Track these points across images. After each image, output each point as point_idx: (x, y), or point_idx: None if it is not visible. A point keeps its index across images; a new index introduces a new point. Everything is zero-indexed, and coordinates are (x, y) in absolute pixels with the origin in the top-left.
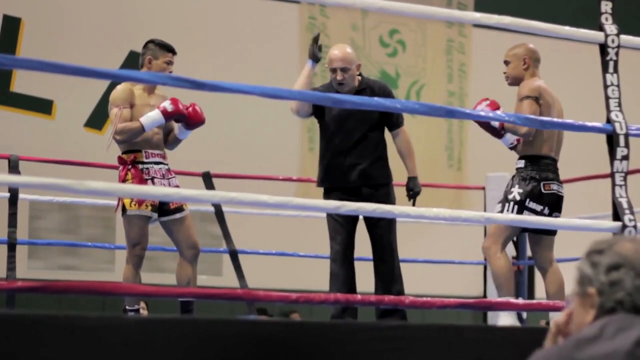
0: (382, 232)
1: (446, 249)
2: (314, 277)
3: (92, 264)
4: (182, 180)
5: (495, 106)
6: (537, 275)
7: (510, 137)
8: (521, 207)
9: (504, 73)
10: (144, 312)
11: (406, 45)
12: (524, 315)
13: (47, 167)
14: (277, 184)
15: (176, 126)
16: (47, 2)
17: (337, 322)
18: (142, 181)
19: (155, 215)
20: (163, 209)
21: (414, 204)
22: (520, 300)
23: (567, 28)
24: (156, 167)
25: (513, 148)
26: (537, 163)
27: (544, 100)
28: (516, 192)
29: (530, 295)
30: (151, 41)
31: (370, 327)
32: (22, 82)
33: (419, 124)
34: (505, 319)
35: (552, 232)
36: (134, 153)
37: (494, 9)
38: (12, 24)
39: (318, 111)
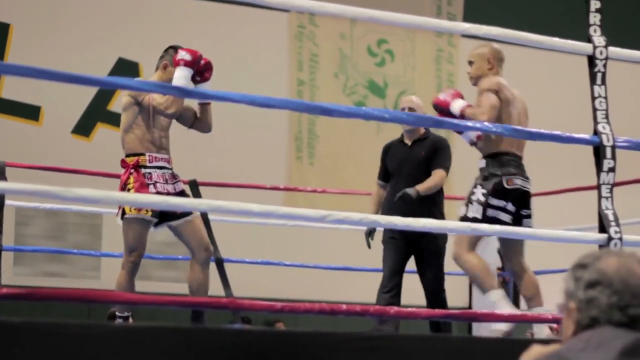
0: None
1: None
2: (299, 286)
3: (78, 271)
4: None
5: (458, 95)
6: None
7: (471, 134)
8: (485, 207)
9: (468, 73)
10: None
11: (394, 55)
12: None
13: (34, 173)
14: (264, 193)
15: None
16: (36, 8)
17: (323, 331)
18: (143, 186)
19: (154, 220)
20: (169, 213)
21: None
22: (505, 312)
23: (555, 39)
24: (159, 171)
25: (474, 144)
26: (499, 160)
27: (503, 95)
28: (479, 193)
29: (516, 306)
30: (172, 47)
31: (357, 337)
32: (10, 88)
33: None
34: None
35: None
36: (137, 156)
37: (483, 19)
38: (1, 29)
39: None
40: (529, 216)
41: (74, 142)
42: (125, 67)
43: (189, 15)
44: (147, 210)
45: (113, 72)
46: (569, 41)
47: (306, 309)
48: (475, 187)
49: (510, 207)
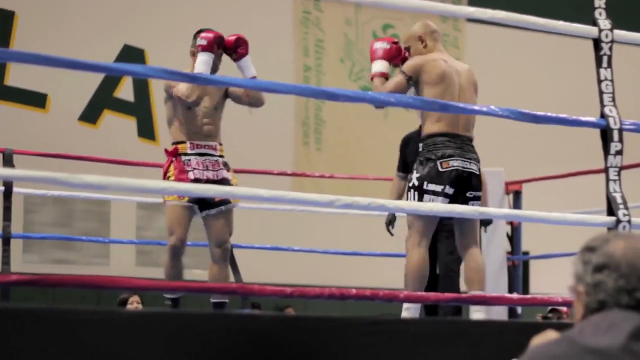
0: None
1: None
2: (308, 271)
3: (87, 258)
4: None
5: (390, 53)
6: (532, 269)
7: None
8: (421, 192)
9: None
10: (138, 306)
11: (400, 40)
12: (519, 310)
13: (41, 160)
14: (271, 179)
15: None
16: None
17: (332, 316)
18: (182, 172)
19: (195, 206)
20: (208, 201)
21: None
22: (515, 295)
23: (561, 23)
24: (200, 158)
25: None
26: (433, 143)
27: (425, 77)
28: (414, 178)
29: (525, 289)
30: (200, 31)
31: (366, 321)
32: (16, 76)
33: (413, 118)
34: (478, 314)
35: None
36: (178, 144)
37: (487, 3)
38: (6, 17)
39: None
40: (475, 198)
41: (81, 129)
42: (131, 54)
43: (194, 2)
44: (184, 197)
45: (119, 59)
46: (575, 24)
47: (316, 293)
48: (411, 172)
49: (448, 189)
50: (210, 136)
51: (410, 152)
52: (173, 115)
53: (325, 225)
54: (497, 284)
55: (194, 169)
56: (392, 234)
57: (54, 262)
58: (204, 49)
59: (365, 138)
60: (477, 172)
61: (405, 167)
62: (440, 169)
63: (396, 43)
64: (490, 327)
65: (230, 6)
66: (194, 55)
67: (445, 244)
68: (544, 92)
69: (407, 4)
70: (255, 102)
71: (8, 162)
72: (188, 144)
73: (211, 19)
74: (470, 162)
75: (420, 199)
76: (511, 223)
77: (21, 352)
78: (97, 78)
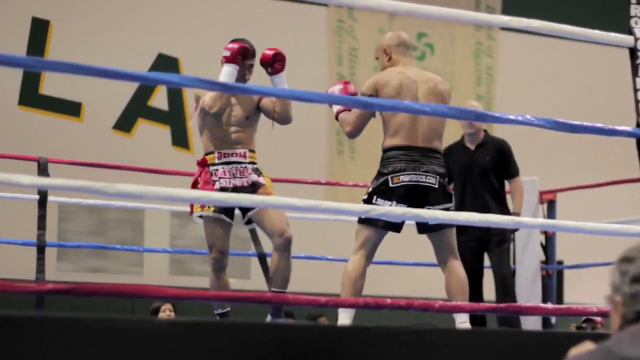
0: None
1: None
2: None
3: (121, 267)
4: None
5: (346, 90)
6: (566, 279)
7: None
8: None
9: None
10: (171, 314)
11: (434, 49)
12: (553, 320)
13: (76, 169)
14: (304, 188)
15: (273, 98)
16: (75, 4)
17: (366, 326)
18: (207, 183)
19: (222, 215)
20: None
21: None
22: (550, 305)
23: (596, 32)
24: (226, 167)
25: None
26: (385, 158)
27: (382, 94)
28: (367, 192)
29: (560, 299)
30: (234, 41)
31: (399, 331)
32: (51, 85)
33: (447, 128)
34: (464, 325)
35: (440, 227)
36: (207, 155)
37: (521, 12)
38: (41, 26)
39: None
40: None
41: (116, 138)
42: (165, 63)
43: (228, 10)
44: (209, 208)
45: (153, 68)
46: (610, 33)
47: (350, 303)
48: (369, 186)
49: (397, 205)
50: (239, 144)
51: (454, 163)
52: (203, 124)
53: None
54: (531, 294)
55: (220, 178)
56: None
57: (88, 270)
58: (228, 60)
59: None
60: (435, 186)
61: (449, 178)
62: (390, 184)
63: (348, 83)
64: (525, 338)
65: (265, 15)
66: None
67: (495, 253)
68: (578, 100)
69: (441, 13)
70: (282, 120)
71: (43, 170)
72: (216, 154)
73: (245, 28)
74: (426, 176)
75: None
76: (545, 232)
77: None
78: (132, 87)
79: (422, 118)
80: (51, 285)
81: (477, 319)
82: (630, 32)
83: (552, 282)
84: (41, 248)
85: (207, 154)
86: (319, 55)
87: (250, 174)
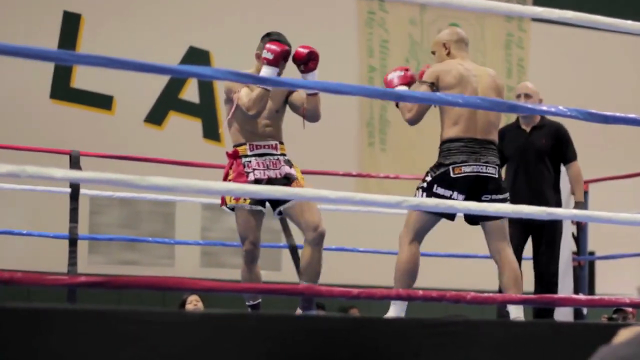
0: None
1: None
2: (372, 272)
3: (152, 259)
4: None
5: (407, 80)
6: (598, 270)
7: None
8: (429, 195)
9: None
10: (197, 304)
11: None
12: (585, 311)
13: (107, 162)
14: (334, 179)
15: (303, 94)
16: None
17: (399, 317)
18: (240, 174)
19: (259, 207)
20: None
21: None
22: (582, 296)
23: (629, 22)
24: (260, 159)
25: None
26: (447, 149)
27: (443, 83)
28: (426, 180)
29: (591, 290)
30: (268, 35)
31: (431, 323)
32: (83, 78)
33: None
34: (517, 312)
35: (492, 218)
36: (238, 147)
37: (552, 2)
38: (72, 20)
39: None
40: (493, 201)
41: (147, 131)
42: (197, 56)
43: (259, 3)
44: (245, 199)
45: (184, 61)
46: None
47: (383, 295)
48: (426, 175)
49: (456, 196)
50: (270, 136)
51: (508, 144)
52: (232, 116)
53: (390, 227)
54: (563, 285)
55: (254, 169)
56: None
57: (119, 263)
58: (270, 63)
59: (430, 138)
60: (496, 176)
61: (503, 159)
62: (452, 175)
63: (408, 70)
64: (558, 329)
65: (295, 8)
66: (259, 58)
67: (545, 247)
68: (610, 91)
69: (473, 4)
70: (311, 117)
71: (75, 164)
72: (247, 146)
73: (276, 20)
74: (487, 166)
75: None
76: (577, 223)
77: (89, 354)
78: (163, 80)
79: (480, 111)
80: (83, 278)
81: (542, 311)
82: None
83: (584, 273)
84: (73, 241)
85: (237, 146)
86: (350, 47)
87: (283, 165)
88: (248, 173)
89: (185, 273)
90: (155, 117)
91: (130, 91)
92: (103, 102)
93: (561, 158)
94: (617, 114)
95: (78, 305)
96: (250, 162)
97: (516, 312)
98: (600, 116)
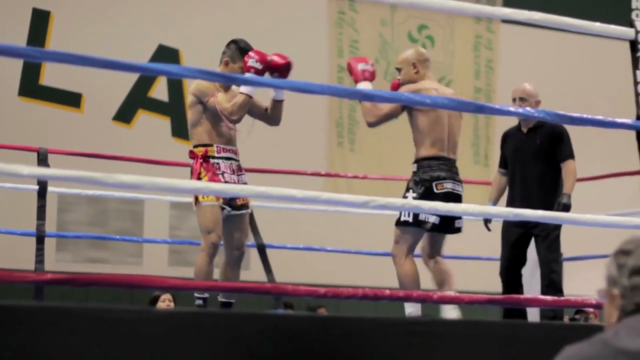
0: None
1: (473, 245)
2: (340, 272)
3: (120, 257)
4: None
5: (371, 76)
6: (566, 271)
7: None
8: (414, 214)
9: (398, 79)
10: (170, 304)
11: (435, 41)
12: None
13: (75, 160)
14: (303, 179)
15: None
16: None
17: (367, 317)
18: (215, 175)
19: (228, 208)
20: (230, 204)
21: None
22: (548, 297)
23: (597, 24)
24: (227, 162)
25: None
26: (428, 165)
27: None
28: (410, 197)
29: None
30: (234, 42)
31: (398, 322)
32: (51, 76)
33: None
34: (452, 312)
35: (451, 231)
36: (206, 147)
37: (522, 4)
38: (42, 17)
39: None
40: (460, 217)
41: (116, 129)
42: (166, 54)
43: (228, 3)
44: (219, 199)
45: (153, 59)
46: (611, 26)
47: (349, 294)
48: (407, 191)
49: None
50: (232, 141)
51: (508, 147)
52: (199, 118)
53: (358, 226)
54: (530, 286)
55: (224, 172)
56: (489, 230)
57: (87, 261)
58: (258, 72)
59: (400, 139)
60: (462, 194)
61: (505, 163)
62: (435, 191)
63: (372, 65)
64: (524, 329)
65: (265, 7)
66: (227, 64)
67: (543, 245)
68: (578, 93)
69: (443, 5)
70: (272, 122)
71: (43, 161)
72: (215, 147)
73: (246, 19)
74: (459, 185)
75: (416, 217)
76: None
77: (55, 351)
78: (132, 78)
79: (452, 132)
80: (50, 275)
81: (515, 311)
82: (631, 24)
83: None
84: (40, 238)
85: (202, 146)
86: (320, 47)
87: (243, 174)
88: (218, 175)
89: (153, 271)
90: (124, 115)
91: (99, 89)
92: (72, 99)
93: (556, 158)
94: (585, 116)
95: (45, 303)
96: (219, 164)
97: (453, 311)
98: (567, 117)
